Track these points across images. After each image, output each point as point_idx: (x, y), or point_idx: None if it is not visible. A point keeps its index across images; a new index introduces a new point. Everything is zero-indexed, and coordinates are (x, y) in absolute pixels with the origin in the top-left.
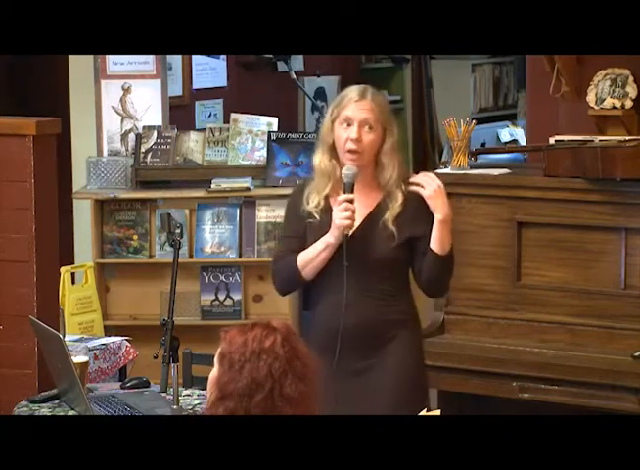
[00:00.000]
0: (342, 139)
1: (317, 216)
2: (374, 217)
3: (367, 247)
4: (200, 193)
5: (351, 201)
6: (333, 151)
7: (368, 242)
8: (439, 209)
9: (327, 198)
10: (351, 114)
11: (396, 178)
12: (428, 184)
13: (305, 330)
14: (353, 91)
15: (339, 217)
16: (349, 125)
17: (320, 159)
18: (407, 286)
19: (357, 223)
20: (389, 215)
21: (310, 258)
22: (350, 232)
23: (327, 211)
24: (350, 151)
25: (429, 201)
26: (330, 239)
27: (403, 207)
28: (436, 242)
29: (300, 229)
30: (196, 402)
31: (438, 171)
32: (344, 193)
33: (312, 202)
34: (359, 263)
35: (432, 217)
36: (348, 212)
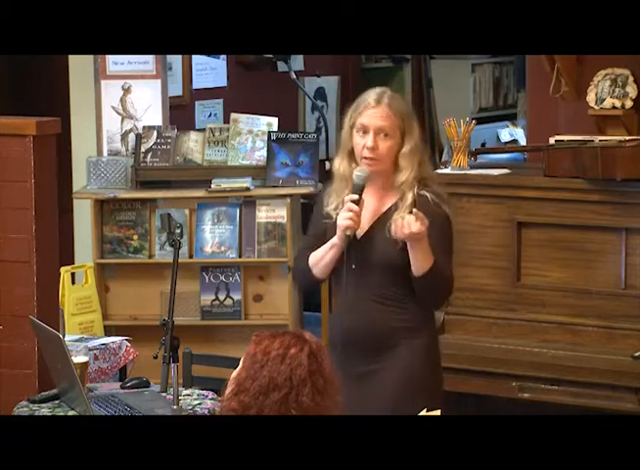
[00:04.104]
0: (360, 146)
1: (334, 218)
2: (384, 220)
3: (372, 250)
4: (200, 193)
5: (357, 202)
6: (352, 155)
7: (374, 245)
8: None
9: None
10: (366, 121)
11: (411, 180)
12: (410, 224)
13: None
14: (370, 97)
15: (341, 218)
16: (365, 133)
17: (339, 163)
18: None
19: (368, 225)
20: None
21: (319, 257)
22: (350, 232)
23: None
24: (366, 158)
25: (405, 238)
26: (336, 239)
27: (410, 210)
28: (412, 264)
29: (320, 229)
30: (196, 402)
31: (438, 171)
32: (353, 193)
33: (331, 204)
34: (365, 266)
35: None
36: (350, 213)
